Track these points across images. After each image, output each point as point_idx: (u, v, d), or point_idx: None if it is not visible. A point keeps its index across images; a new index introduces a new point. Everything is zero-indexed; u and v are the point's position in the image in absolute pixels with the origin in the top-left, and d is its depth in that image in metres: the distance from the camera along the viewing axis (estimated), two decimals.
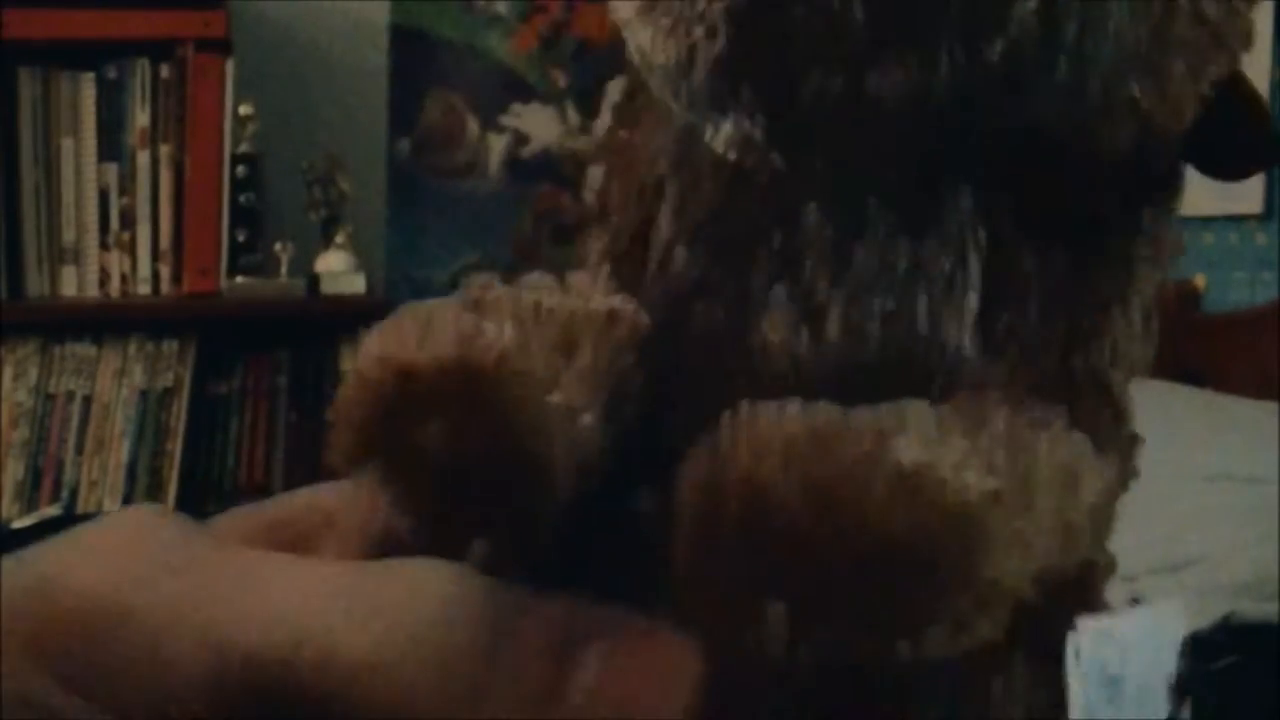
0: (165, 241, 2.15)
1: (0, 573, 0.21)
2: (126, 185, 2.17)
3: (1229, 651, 1.38)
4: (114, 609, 0.21)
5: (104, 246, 2.15)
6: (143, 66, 2.18)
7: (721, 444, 0.19)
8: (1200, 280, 2.32)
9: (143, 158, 2.17)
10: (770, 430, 0.18)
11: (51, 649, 0.20)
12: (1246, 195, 2.22)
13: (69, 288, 2.14)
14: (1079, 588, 0.22)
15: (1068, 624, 0.23)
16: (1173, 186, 0.24)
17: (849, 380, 0.21)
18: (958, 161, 0.21)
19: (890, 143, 0.21)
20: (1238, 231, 2.25)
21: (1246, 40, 0.22)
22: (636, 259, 0.24)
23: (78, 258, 2.15)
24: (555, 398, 0.21)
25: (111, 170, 2.18)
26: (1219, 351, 2.21)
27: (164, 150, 2.17)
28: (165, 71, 2.17)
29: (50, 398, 2.07)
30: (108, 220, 2.16)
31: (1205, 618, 1.43)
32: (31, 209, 2.14)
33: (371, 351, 0.21)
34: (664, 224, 0.23)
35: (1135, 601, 1.49)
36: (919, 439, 0.18)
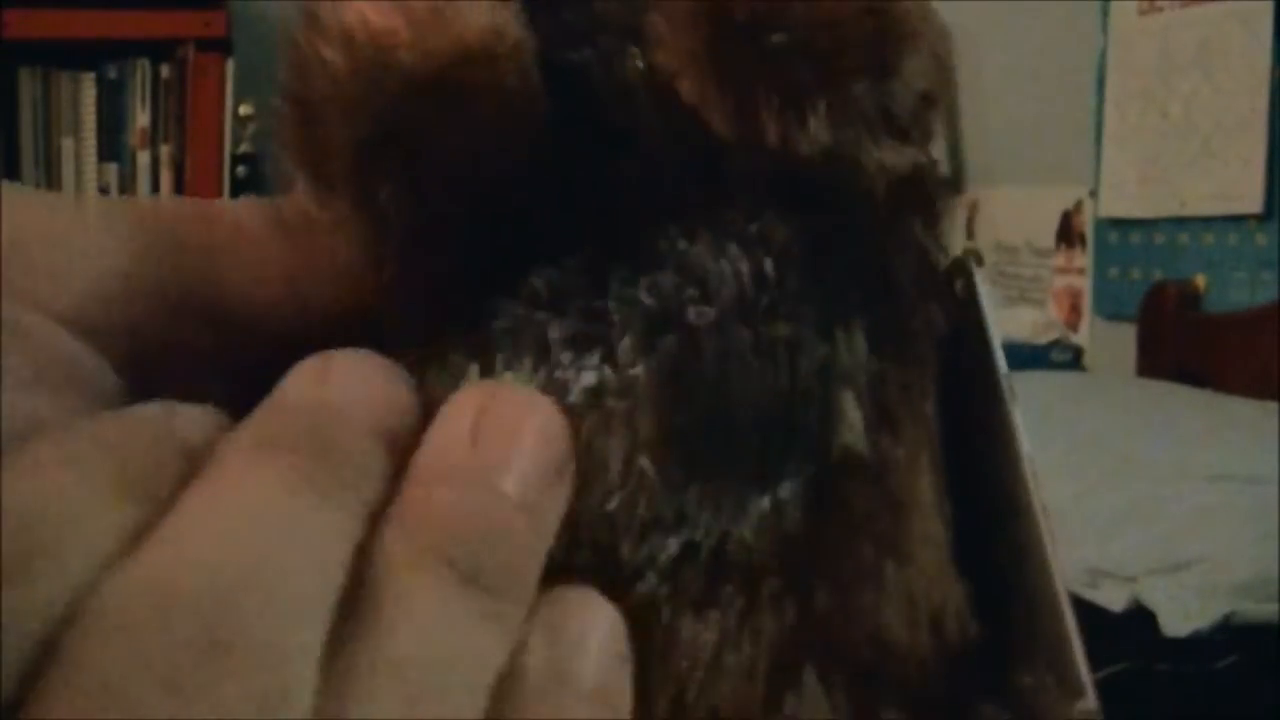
0: None
1: None
2: (126, 185, 2.17)
3: (1229, 651, 1.38)
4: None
5: None
6: (143, 66, 2.18)
7: None
8: (1200, 280, 2.32)
9: (143, 158, 2.17)
10: None
11: None
12: (1246, 195, 2.22)
13: None
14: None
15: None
16: None
17: None
18: None
19: None
20: (1238, 231, 2.25)
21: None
22: None
23: None
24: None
25: (111, 170, 2.18)
26: (1219, 351, 2.21)
27: (164, 150, 2.17)
28: (165, 71, 2.17)
29: None
30: None
31: (1205, 618, 1.43)
32: None
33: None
34: None
35: (1135, 601, 1.49)
36: None
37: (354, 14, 0.20)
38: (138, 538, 0.17)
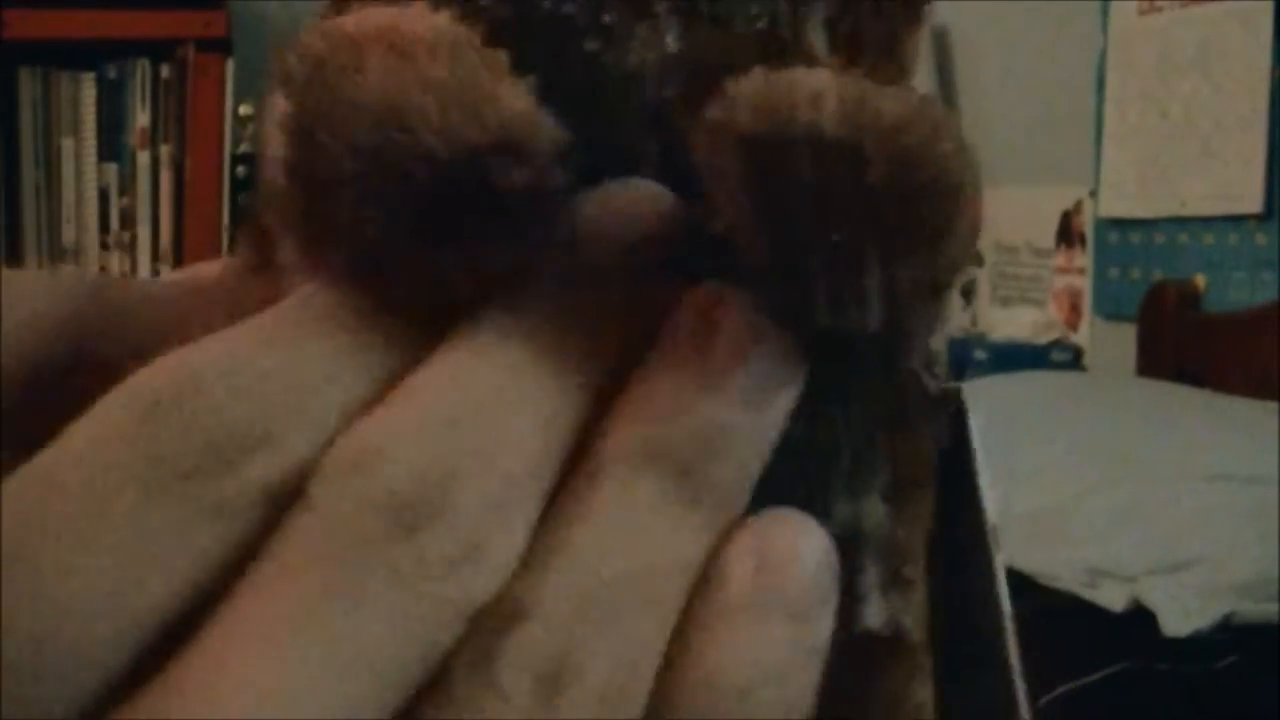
0: (165, 241, 2.15)
1: None
2: (126, 185, 2.17)
3: (1229, 651, 1.39)
4: None
5: (104, 246, 2.15)
6: (143, 66, 2.18)
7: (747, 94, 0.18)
8: (1200, 280, 2.32)
9: (143, 158, 2.17)
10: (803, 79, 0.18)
11: None
12: (1246, 195, 2.22)
13: None
14: None
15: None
16: None
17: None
18: None
19: None
20: (1238, 231, 2.25)
21: None
22: None
23: (78, 258, 2.15)
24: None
25: (111, 170, 2.18)
26: (1219, 351, 2.21)
27: (164, 150, 2.17)
28: (165, 71, 2.17)
29: None
30: (108, 220, 2.16)
31: (1205, 618, 1.43)
32: (31, 209, 2.14)
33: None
34: None
35: (1135, 601, 1.49)
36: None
37: (380, 89, 0.18)
38: (386, 385, 0.18)
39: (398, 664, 0.16)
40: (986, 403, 2.07)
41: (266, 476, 0.17)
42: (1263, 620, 1.45)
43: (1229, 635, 1.43)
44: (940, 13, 2.82)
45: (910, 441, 0.21)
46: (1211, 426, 1.80)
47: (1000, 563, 0.23)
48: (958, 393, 0.23)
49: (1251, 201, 2.21)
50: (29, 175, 2.14)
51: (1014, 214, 2.73)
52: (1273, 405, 1.85)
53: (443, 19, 0.18)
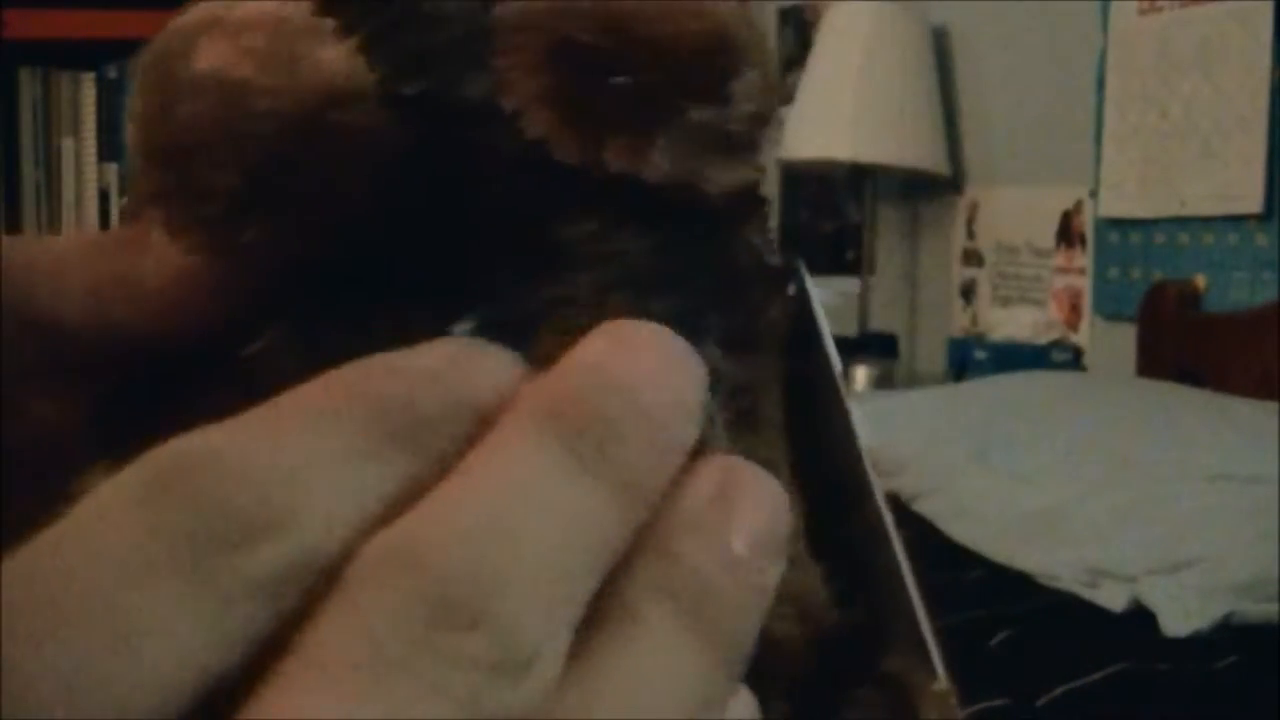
0: None
1: None
2: (126, 185, 2.17)
3: (1229, 651, 1.39)
4: None
5: None
6: None
7: None
8: (1200, 280, 2.32)
9: None
10: None
11: None
12: (1246, 195, 2.22)
13: None
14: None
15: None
16: None
17: None
18: None
19: None
20: (1238, 231, 2.25)
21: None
22: None
23: None
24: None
25: (111, 170, 2.18)
26: (1219, 351, 2.21)
27: None
28: None
29: None
30: (108, 220, 2.16)
31: (1205, 618, 1.43)
32: (31, 209, 2.14)
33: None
34: None
35: (1135, 601, 1.49)
36: None
37: (204, 60, 0.21)
38: (413, 493, 0.17)
39: None
40: (986, 403, 2.07)
41: (275, 562, 0.16)
42: (1263, 620, 1.45)
43: (1229, 635, 1.43)
44: (940, 13, 2.82)
45: (746, 300, 0.25)
46: (1211, 426, 1.80)
47: (854, 408, 0.26)
48: (797, 265, 0.26)
49: (1251, 201, 2.21)
50: (29, 175, 2.14)
51: (1014, 214, 2.73)
52: (1273, 405, 1.85)
53: (270, 2, 0.21)
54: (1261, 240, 2.22)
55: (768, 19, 3.40)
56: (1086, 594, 1.54)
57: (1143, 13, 2.42)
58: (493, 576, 0.16)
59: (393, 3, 0.22)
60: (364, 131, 0.21)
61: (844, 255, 3.15)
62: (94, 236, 0.23)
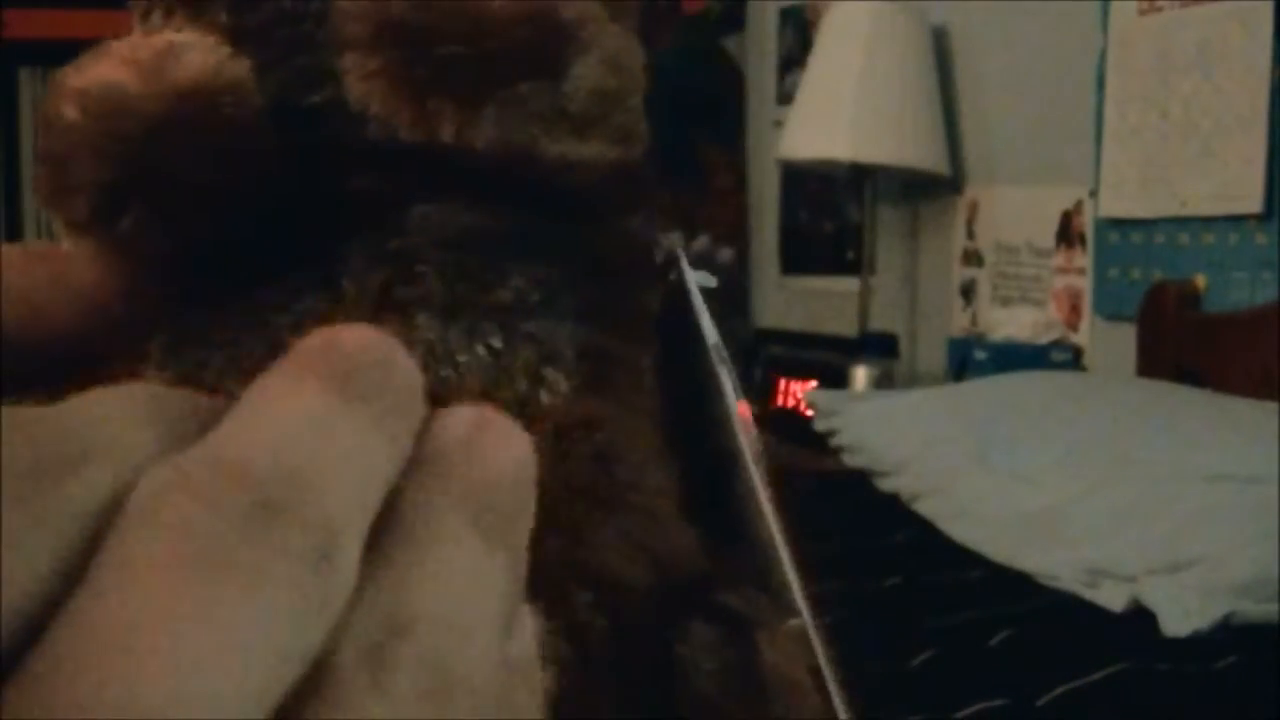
0: None
1: None
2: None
3: (1229, 651, 1.38)
4: None
5: None
6: None
7: None
8: (1200, 280, 2.32)
9: None
10: None
11: None
12: (1246, 195, 2.22)
13: None
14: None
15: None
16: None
17: None
18: None
19: None
20: (1238, 231, 2.25)
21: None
22: None
23: None
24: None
25: None
26: (1219, 351, 2.21)
27: None
28: None
29: None
30: None
31: (1205, 618, 1.43)
32: (32, 209, 2.14)
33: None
34: None
35: (1135, 601, 1.49)
36: None
37: (89, 74, 0.24)
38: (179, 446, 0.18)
39: (277, 651, 0.17)
40: (986, 403, 2.07)
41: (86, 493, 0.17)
42: (1263, 620, 1.45)
43: (1229, 635, 1.43)
44: (940, 13, 2.82)
45: (611, 282, 0.27)
46: (1211, 426, 1.80)
47: (726, 376, 0.29)
48: (675, 252, 0.29)
49: (1251, 201, 2.21)
50: (29, 175, 2.14)
51: (1014, 214, 2.73)
52: (1273, 405, 1.85)
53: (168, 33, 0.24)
54: (1261, 240, 2.22)
55: (768, 19, 3.40)
56: (1086, 594, 1.54)
57: (1143, 13, 2.42)
58: (301, 476, 0.18)
59: (261, 5, 0.25)
60: (229, 125, 0.24)
61: (844, 255, 3.15)
62: (37, 243, 0.25)
